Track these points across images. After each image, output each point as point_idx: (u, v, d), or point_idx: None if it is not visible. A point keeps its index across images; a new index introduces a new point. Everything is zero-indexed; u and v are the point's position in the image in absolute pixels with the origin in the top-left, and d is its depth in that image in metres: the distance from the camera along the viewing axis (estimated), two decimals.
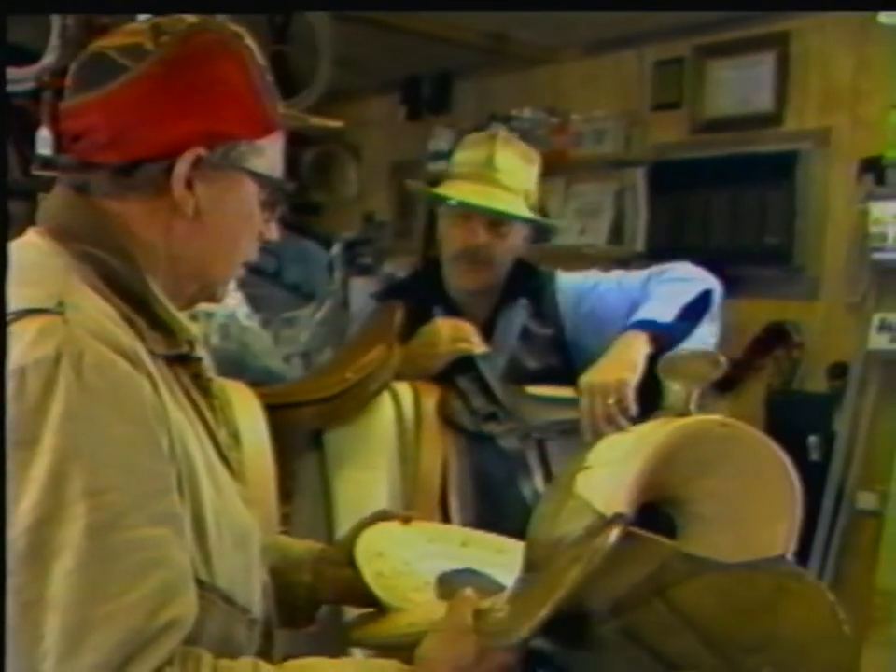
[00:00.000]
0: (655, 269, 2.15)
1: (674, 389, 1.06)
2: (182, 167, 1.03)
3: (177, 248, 1.07)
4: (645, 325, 1.94)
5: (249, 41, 1.10)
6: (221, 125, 1.06)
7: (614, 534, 0.93)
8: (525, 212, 2.13)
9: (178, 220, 1.06)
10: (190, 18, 1.07)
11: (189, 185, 1.04)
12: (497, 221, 2.10)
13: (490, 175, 2.10)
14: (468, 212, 2.10)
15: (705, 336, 1.98)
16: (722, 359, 1.10)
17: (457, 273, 2.16)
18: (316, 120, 1.22)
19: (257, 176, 1.10)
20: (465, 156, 2.18)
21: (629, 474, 0.97)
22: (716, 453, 1.01)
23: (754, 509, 1.01)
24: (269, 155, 1.11)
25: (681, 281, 2.06)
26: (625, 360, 1.89)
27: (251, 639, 1.09)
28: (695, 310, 2.00)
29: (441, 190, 2.16)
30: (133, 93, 1.02)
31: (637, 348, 1.90)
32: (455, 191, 2.12)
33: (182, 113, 1.03)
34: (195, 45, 1.05)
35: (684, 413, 1.04)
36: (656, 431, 1.02)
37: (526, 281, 2.20)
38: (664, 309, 1.97)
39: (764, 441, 1.02)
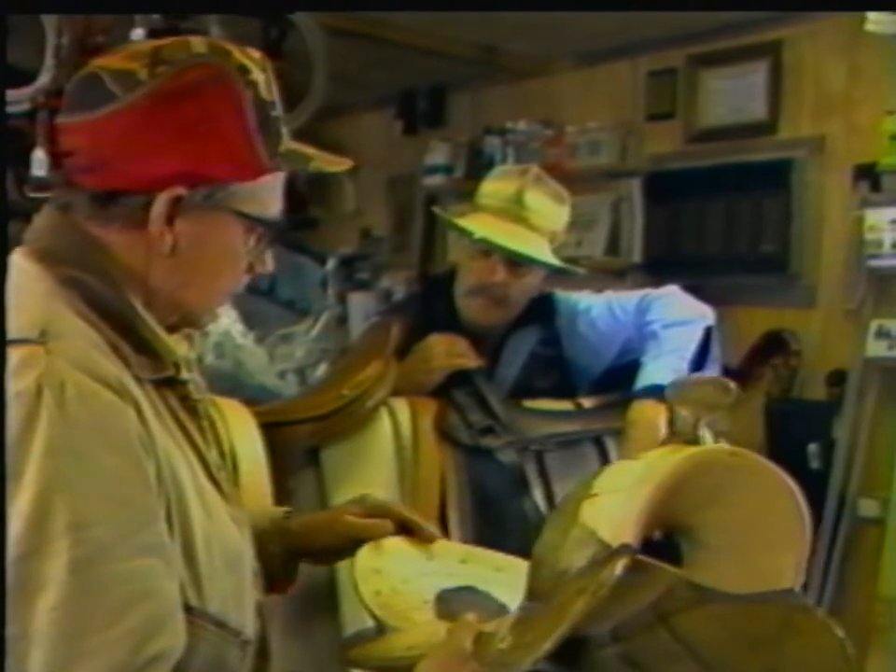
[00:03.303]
0: (645, 296, 2.16)
1: (682, 415, 1.05)
2: (159, 207, 1.02)
3: (155, 281, 1.05)
4: (658, 390, 1.93)
5: (257, 75, 1.06)
6: (205, 167, 1.03)
7: (620, 566, 0.92)
8: (548, 256, 2.10)
9: (157, 254, 1.04)
10: (197, 45, 1.04)
11: (170, 221, 1.03)
12: (517, 261, 2.08)
13: (518, 212, 2.07)
14: (489, 248, 2.07)
15: None
16: (733, 386, 1.08)
17: (471, 308, 2.14)
18: (317, 164, 1.13)
19: (244, 217, 1.07)
20: (493, 188, 2.14)
21: (637, 504, 0.96)
22: (725, 482, 0.99)
23: (763, 539, 0.99)
24: (261, 195, 1.08)
25: (681, 325, 2.06)
26: (651, 440, 1.88)
27: (244, 660, 1.09)
28: (700, 360, 2.02)
29: (466, 223, 2.12)
30: (117, 124, 1.00)
31: (656, 419, 1.93)
32: (480, 226, 2.08)
33: (164, 150, 1.01)
34: (188, 80, 1.02)
35: (692, 439, 1.03)
36: (665, 460, 1.00)
37: (538, 309, 2.20)
38: (672, 369, 1.98)
39: (774, 471, 1.00)
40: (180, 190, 1.02)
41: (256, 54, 1.09)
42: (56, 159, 1.07)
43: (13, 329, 0.94)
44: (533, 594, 1.01)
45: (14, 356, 0.92)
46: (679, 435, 1.04)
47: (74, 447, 0.90)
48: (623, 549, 0.93)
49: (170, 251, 1.04)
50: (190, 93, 1.02)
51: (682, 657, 0.98)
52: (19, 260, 1.04)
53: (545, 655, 0.92)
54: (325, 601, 1.65)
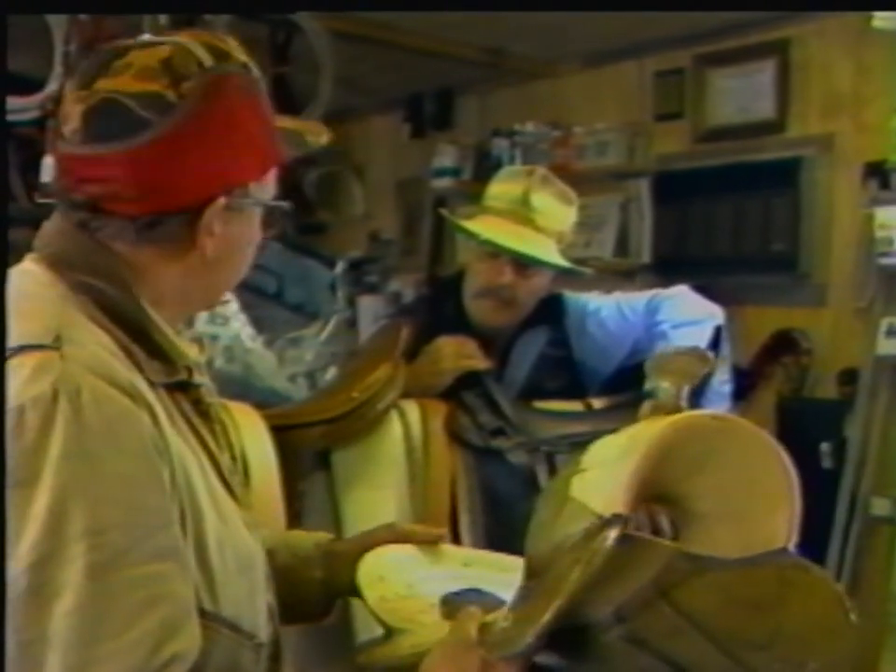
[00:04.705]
0: (654, 296, 2.16)
1: (663, 387, 1.06)
2: (209, 218, 1.03)
3: (189, 284, 1.08)
4: None
5: (254, 69, 1.09)
6: (242, 173, 1.06)
7: (613, 534, 0.93)
8: (555, 256, 2.11)
9: (191, 262, 1.06)
10: (201, 54, 1.04)
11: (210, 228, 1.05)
12: (524, 263, 2.08)
13: (524, 213, 2.08)
14: (495, 250, 2.08)
15: (716, 385, 1.99)
16: (711, 355, 1.10)
17: (480, 310, 2.15)
18: (313, 139, 1.18)
19: (265, 207, 1.11)
20: (500, 190, 2.15)
21: (625, 473, 0.97)
22: (710, 447, 1.01)
23: (752, 501, 1.00)
24: (270, 180, 1.12)
25: (691, 325, 2.06)
26: None
27: (258, 664, 1.09)
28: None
29: (472, 226, 2.13)
30: (160, 150, 1.00)
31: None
32: (486, 228, 2.09)
33: (208, 167, 1.03)
34: (219, 96, 1.03)
35: (675, 410, 1.04)
36: (649, 429, 1.02)
37: (547, 310, 2.20)
38: None
39: (757, 432, 1.02)
40: (223, 200, 1.04)
41: (232, 41, 1.09)
42: (69, 181, 1.03)
43: (27, 335, 0.95)
44: (531, 571, 1.02)
45: (29, 361, 0.92)
46: (662, 407, 1.05)
47: (89, 452, 0.91)
48: (616, 518, 0.94)
49: (212, 256, 1.06)
50: (222, 108, 1.04)
51: (686, 630, 0.97)
52: (30, 266, 1.05)
53: (547, 628, 0.93)
54: (341, 635, 1.64)
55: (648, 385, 1.99)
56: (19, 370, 0.92)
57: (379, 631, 1.26)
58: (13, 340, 0.94)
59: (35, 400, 0.90)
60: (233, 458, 1.16)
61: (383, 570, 1.27)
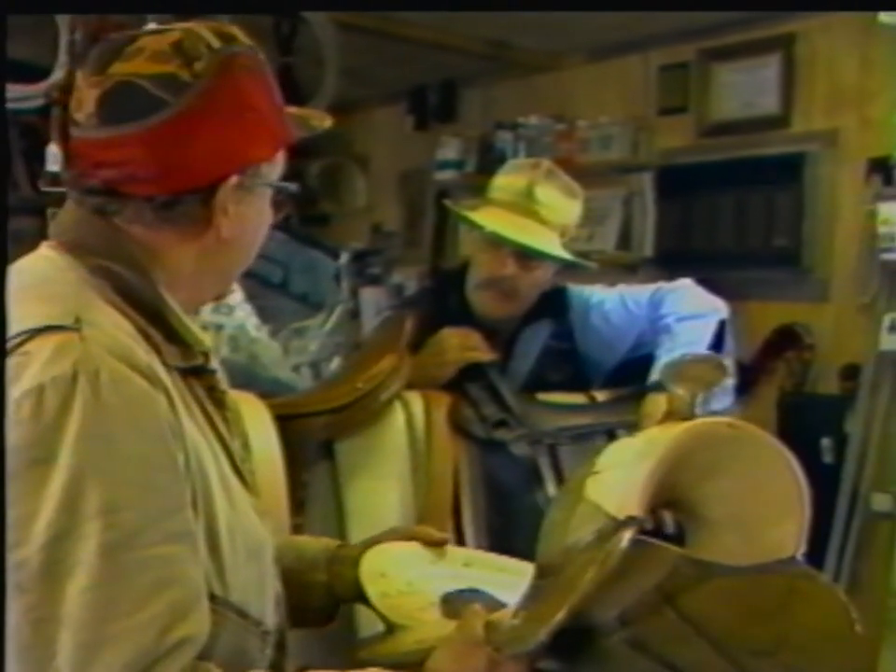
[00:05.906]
0: (658, 289, 2.17)
1: (679, 394, 1.06)
2: (223, 197, 1.05)
3: (204, 266, 1.09)
4: None
5: (260, 53, 1.11)
6: (254, 151, 1.08)
7: (627, 536, 0.93)
8: (558, 249, 2.12)
9: (206, 242, 1.07)
10: (209, 37, 1.05)
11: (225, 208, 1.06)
12: (526, 254, 2.09)
13: (528, 206, 2.09)
14: (499, 241, 2.09)
15: None
16: (727, 363, 1.11)
17: (482, 301, 2.16)
18: (317, 122, 1.20)
19: (275, 188, 1.13)
20: (505, 182, 2.16)
21: (640, 476, 0.97)
22: (724, 454, 1.01)
23: (763, 510, 1.01)
24: (278, 163, 1.14)
25: (695, 319, 2.06)
26: None
27: (264, 651, 1.10)
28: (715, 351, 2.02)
29: (477, 217, 2.14)
30: (177, 129, 1.02)
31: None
32: (490, 219, 2.10)
33: (223, 145, 1.04)
34: (231, 74, 1.05)
35: (689, 417, 1.04)
36: (665, 434, 1.02)
37: (551, 302, 2.21)
38: None
39: (771, 441, 1.02)
40: (237, 178, 1.06)
41: (235, 28, 1.11)
42: (82, 166, 1.04)
43: (47, 317, 0.96)
44: (542, 571, 1.03)
45: (49, 342, 0.93)
46: (677, 413, 1.05)
47: (106, 432, 0.92)
48: (629, 520, 0.94)
49: (226, 237, 1.07)
50: (236, 87, 1.05)
51: (690, 636, 0.98)
52: (47, 252, 1.06)
53: (559, 627, 0.93)
54: (344, 631, 1.64)
55: (651, 379, 2.01)
56: (39, 351, 0.93)
57: (381, 627, 1.27)
58: (33, 322, 0.95)
59: (54, 380, 0.91)
60: (244, 446, 1.17)
61: (384, 567, 1.28)
